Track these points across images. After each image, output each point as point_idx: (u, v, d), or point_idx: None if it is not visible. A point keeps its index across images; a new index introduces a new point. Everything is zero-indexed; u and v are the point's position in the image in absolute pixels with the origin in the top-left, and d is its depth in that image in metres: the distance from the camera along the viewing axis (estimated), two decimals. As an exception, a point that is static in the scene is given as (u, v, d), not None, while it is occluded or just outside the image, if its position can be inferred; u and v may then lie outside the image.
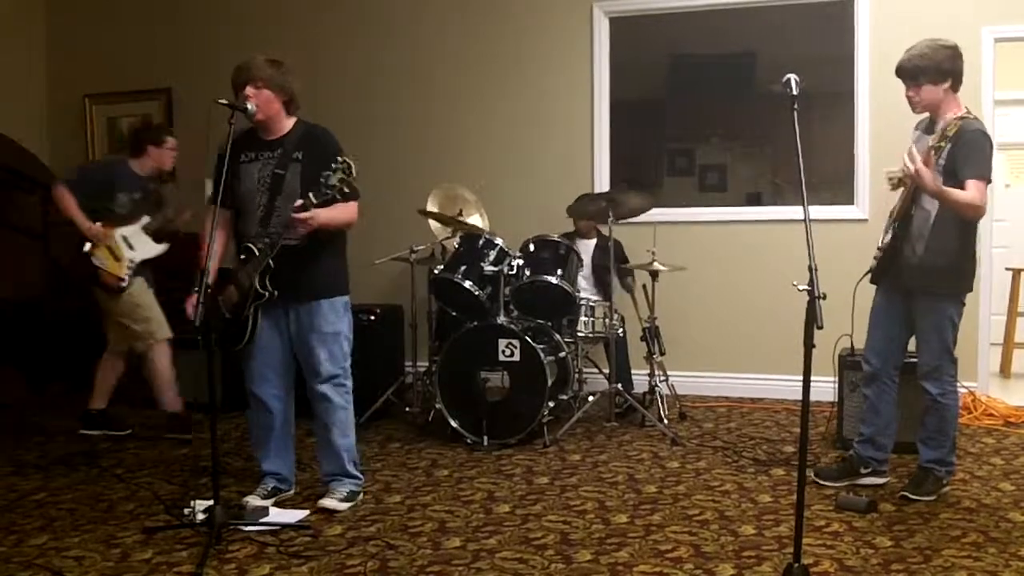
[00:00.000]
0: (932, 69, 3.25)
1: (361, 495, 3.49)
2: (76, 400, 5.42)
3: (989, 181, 3.21)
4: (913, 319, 3.42)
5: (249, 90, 3.24)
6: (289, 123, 3.36)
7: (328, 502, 3.36)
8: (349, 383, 3.45)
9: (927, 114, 3.41)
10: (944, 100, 3.29)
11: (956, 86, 3.30)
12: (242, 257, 3.28)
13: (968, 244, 3.35)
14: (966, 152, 3.18)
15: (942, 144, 3.21)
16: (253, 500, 3.36)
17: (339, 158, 3.11)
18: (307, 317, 3.33)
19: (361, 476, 3.54)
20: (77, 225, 4.29)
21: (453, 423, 4.31)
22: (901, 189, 3.41)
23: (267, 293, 3.24)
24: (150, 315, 4.46)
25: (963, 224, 3.29)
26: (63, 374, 5.71)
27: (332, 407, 3.39)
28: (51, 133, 6.62)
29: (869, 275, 3.55)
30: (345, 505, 3.37)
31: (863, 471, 3.59)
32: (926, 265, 3.33)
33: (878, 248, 3.50)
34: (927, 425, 3.42)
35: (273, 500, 3.41)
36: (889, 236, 3.43)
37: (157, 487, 3.66)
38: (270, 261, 3.21)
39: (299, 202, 3.12)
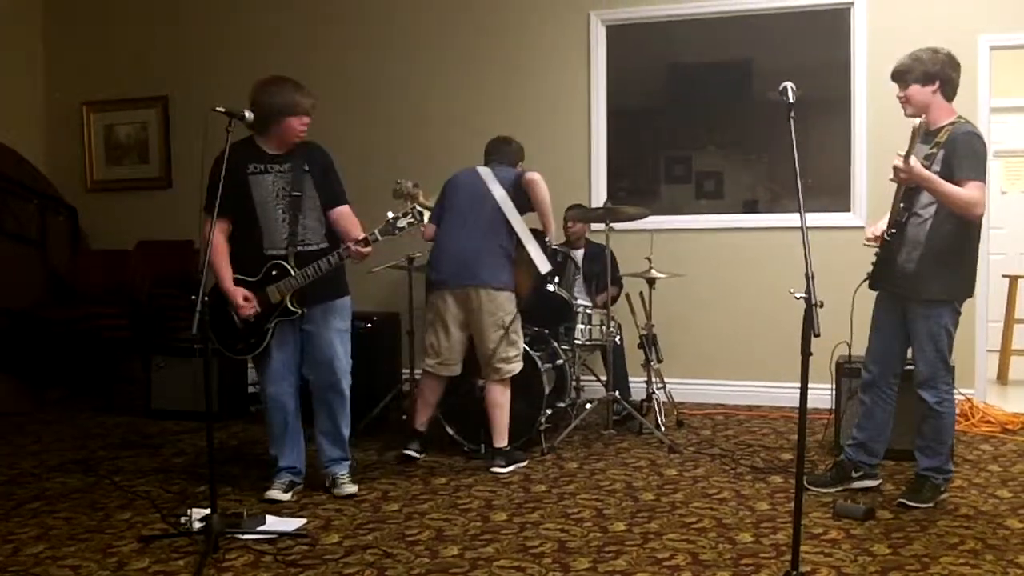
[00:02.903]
0: (919, 70, 3.32)
1: None
2: (74, 408, 5.42)
3: (984, 181, 3.23)
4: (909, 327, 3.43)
5: (307, 120, 3.48)
6: None
7: (348, 488, 3.62)
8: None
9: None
10: (933, 104, 3.32)
11: (947, 92, 3.34)
12: (273, 273, 3.46)
13: (967, 250, 3.34)
14: (960, 155, 3.21)
15: (934, 151, 3.25)
16: (274, 493, 3.54)
17: (417, 208, 3.43)
18: (323, 315, 3.55)
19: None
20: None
21: (450, 431, 4.30)
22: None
23: (298, 311, 3.48)
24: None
25: (961, 229, 3.28)
26: (61, 382, 5.70)
27: (343, 400, 3.65)
28: (48, 141, 6.62)
29: (868, 280, 3.56)
30: (355, 487, 3.66)
31: (854, 475, 3.60)
32: (922, 273, 3.33)
33: (875, 253, 3.52)
34: (924, 433, 3.42)
35: (292, 493, 3.61)
36: (886, 241, 3.44)
37: (154, 495, 3.64)
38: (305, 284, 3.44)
39: (362, 235, 3.43)
